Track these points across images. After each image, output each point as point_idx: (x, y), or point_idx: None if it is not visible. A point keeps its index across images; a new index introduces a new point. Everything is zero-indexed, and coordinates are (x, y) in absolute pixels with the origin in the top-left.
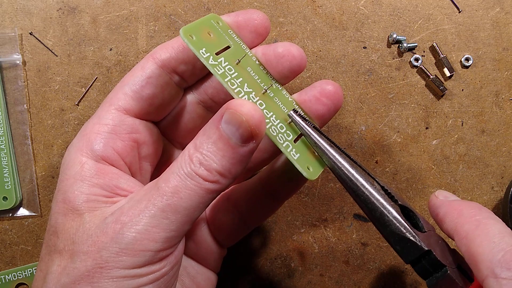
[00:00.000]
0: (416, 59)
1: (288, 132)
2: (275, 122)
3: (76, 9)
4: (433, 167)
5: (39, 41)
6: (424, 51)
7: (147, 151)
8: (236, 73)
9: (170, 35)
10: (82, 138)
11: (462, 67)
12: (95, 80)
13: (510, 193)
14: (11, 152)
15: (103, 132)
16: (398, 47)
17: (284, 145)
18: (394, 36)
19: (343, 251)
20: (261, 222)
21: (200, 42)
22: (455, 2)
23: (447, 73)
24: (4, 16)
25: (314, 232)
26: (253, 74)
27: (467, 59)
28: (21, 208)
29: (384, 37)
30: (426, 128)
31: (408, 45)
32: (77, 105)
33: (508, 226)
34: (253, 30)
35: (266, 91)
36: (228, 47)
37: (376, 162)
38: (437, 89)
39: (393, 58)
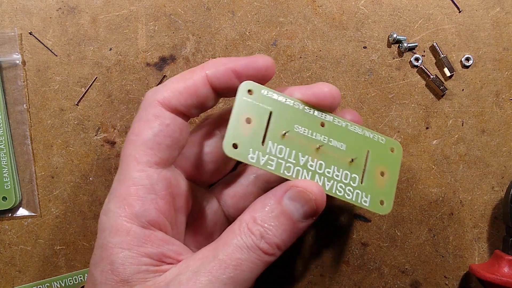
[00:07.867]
0: (416, 59)
1: (353, 176)
2: (338, 176)
3: (76, 9)
4: (433, 167)
5: (39, 41)
6: (424, 51)
7: (180, 203)
8: (288, 149)
9: (170, 34)
10: (122, 202)
11: (462, 67)
12: (94, 80)
13: (511, 193)
14: (11, 152)
15: (143, 194)
16: (398, 47)
17: (354, 199)
18: (394, 36)
19: (343, 251)
20: None
21: (245, 146)
22: (455, 2)
23: (447, 73)
24: (4, 16)
25: (314, 232)
26: (303, 130)
27: (467, 59)
28: (21, 208)
29: (384, 37)
30: (426, 128)
31: (408, 45)
32: (77, 105)
33: (509, 226)
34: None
35: (319, 147)
36: (270, 113)
37: None
38: (437, 89)
39: (393, 58)
